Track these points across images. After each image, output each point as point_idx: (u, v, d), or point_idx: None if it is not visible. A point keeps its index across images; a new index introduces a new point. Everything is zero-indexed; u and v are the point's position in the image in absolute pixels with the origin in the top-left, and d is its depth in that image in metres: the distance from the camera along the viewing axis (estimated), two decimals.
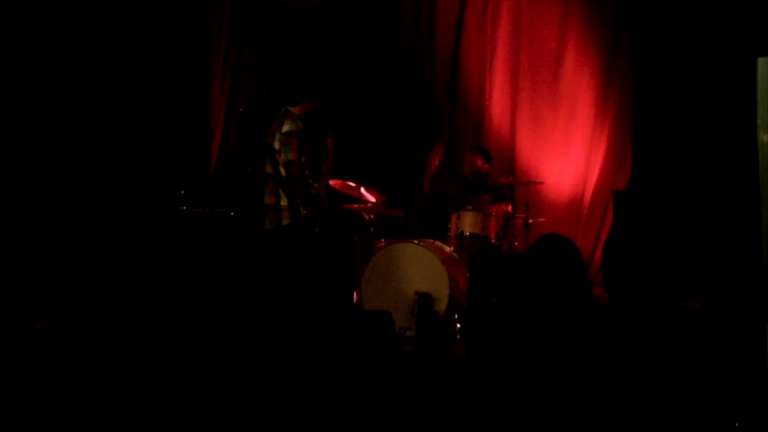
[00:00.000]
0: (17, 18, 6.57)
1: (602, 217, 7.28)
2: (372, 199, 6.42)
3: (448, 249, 6.22)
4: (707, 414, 3.49)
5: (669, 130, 6.20)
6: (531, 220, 6.65)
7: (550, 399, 2.84)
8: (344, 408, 3.88)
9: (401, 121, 7.70)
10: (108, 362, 4.38)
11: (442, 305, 5.79)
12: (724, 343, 4.15)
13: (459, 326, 5.47)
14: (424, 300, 5.79)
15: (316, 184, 5.46)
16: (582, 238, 7.24)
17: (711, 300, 5.52)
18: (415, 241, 6.03)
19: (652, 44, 6.36)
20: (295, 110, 5.47)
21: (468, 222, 6.25)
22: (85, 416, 3.71)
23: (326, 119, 7.33)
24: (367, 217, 6.44)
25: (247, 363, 4.44)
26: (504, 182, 6.69)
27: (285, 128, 5.35)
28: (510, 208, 6.63)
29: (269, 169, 5.43)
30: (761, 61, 5.95)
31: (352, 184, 6.38)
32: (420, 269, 5.86)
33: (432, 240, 6.22)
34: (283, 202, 5.38)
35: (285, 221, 5.38)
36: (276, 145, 5.37)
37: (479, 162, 6.82)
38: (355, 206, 6.41)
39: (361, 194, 6.36)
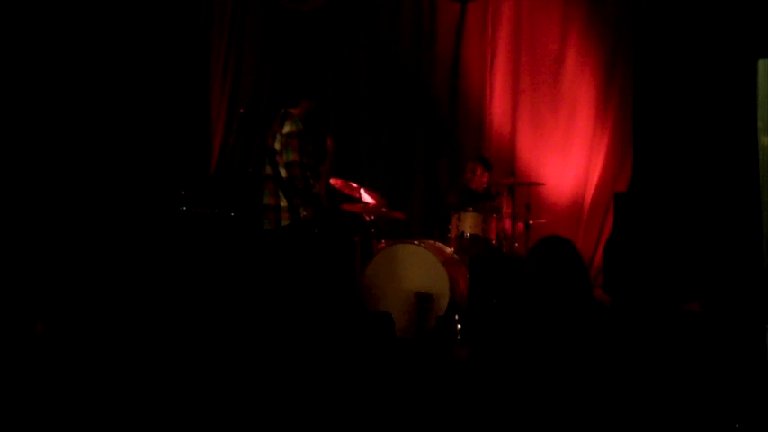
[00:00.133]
0: (19, 20, 6.58)
1: (603, 219, 7.28)
2: (372, 201, 6.42)
3: (448, 250, 6.22)
4: (708, 415, 3.49)
5: (669, 133, 6.21)
6: (531, 222, 6.64)
7: (551, 400, 2.84)
8: (345, 408, 3.88)
9: (402, 122, 7.71)
10: (108, 363, 4.38)
11: (442, 306, 5.78)
12: (724, 345, 4.15)
13: (459, 327, 5.46)
14: (424, 301, 5.79)
15: (316, 185, 5.46)
16: (582, 239, 7.25)
17: (712, 302, 5.52)
18: (416, 242, 6.03)
19: (652, 46, 6.36)
20: (295, 111, 5.47)
21: (468, 224, 6.25)
22: (86, 416, 3.71)
23: (326, 119, 7.33)
24: (367, 218, 6.44)
25: (248, 363, 4.44)
26: (504, 183, 6.69)
27: (285, 129, 5.35)
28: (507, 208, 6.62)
29: (269, 170, 5.43)
30: (761, 63, 5.96)
31: (354, 185, 6.38)
32: (420, 270, 5.86)
33: (432, 241, 6.22)
34: (283, 203, 5.37)
35: (285, 222, 5.38)
36: (276, 146, 5.37)
37: (479, 171, 6.81)
38: (356, 207, 6.41)
39: (362, 196, 6.36)
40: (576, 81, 7.45)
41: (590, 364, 2.88)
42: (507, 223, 6.61)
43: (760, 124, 5.98)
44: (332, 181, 6.04)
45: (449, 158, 7.65)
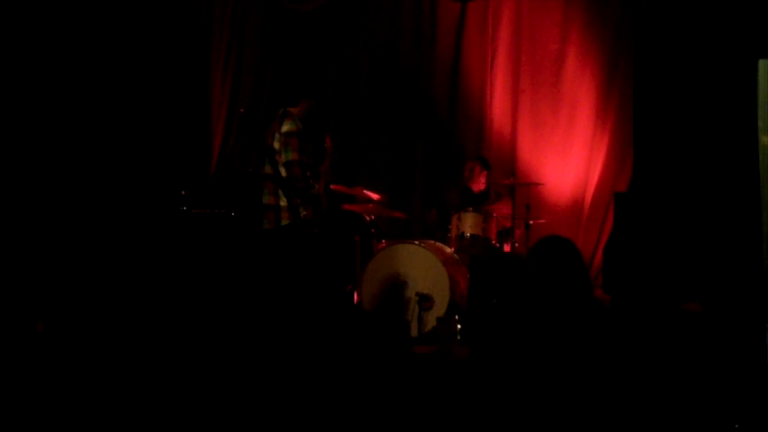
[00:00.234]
0: (20, 21, 6.58)
1: (603, 219, 7.28)
2: (375, 197, 6.42)
3: (449, 250, 6.22)
4: (707, 416, 3.49)
5: (670, 132, 6.21)
6: (531, 222, 6.65)
7: (551, 400, 2.84)
8: (345, 408, 3.88)
9: (402, 122, 7.71)
10: (108, 362, 4.38)
11: (442, 306, 5.78)
12: (724, 345, 4.15)
13: (459, 327, 5.47)
14: (424, 301, 5.79)
15: (316, 185, 5.45)
16: (582, 239, 7.25)
17: (712, 302, 5.52)
18: (416, 242, 6.03)
19: (653, 46, 6.37)
20: (294, 110, 5.47)
21: (468, 224, 6.25)
22: (86, 416, 3.71)
23: (325, 119, 7.33)
24: (368, 218, 6.44)
25: (247, 363, 4.44)
26: (504, 183, 6.69)
27: (285, 128, 5.34)
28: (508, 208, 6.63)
29: (268, 170, 5.42)
30: (761, 63, 5.96)
31: (373, 195, 6.38)
32: (421, 270, 5.86)
33: (432, 241, 6.22)
34: (282, 203, 5.37)
35: (284, 222, 5.37)
36: (276, 145, 5.36)
37: (477, 170, 6.81)
38: (356, 207, 6.41)
39: (364, 194, 6.37)
40: (576, 81, 7.45)
41: (590, 363, 2.88)
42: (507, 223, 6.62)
43: (760, 124, 5.99)
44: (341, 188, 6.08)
45: (449, 158, 7.65)
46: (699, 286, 5.67)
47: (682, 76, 6.15)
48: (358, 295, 6.10)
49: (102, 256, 6.37)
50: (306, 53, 7.71)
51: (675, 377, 3.76)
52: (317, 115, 5.88)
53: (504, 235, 6.54)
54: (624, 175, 7.14)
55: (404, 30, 7.75)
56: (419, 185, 7.64)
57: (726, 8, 5.97)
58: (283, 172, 5.34)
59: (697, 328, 4.55)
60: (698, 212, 5.91)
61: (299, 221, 5.36)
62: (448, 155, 7.64)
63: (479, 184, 6.80)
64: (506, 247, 6.54)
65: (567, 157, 7.46)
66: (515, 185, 6.60)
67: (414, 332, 5.77)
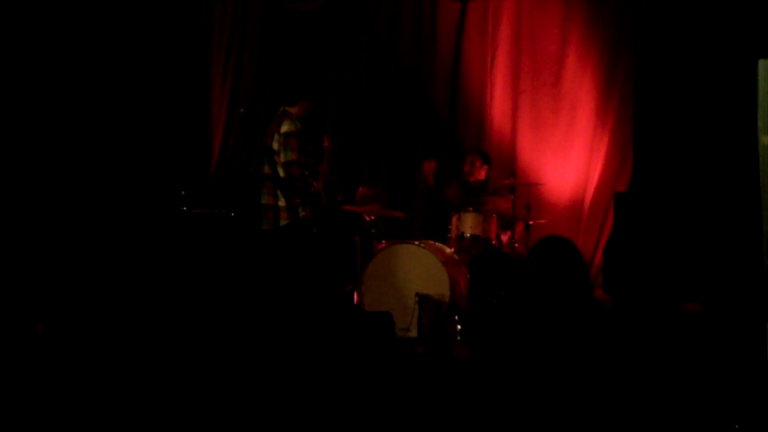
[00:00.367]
0: (20, 22, 6.58)
1: (603, 219, 7.28)
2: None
3: (449, 251, 6.22)
4: (708, 416, 3.49)
5: (670, 133, 6.20)
6: (531, 222, 6.65)
7: (551, 400, 2.84)
8: (344, 408, 3.88)
9: (402, 122, 7.71)
10: (108, 362, 4.38)
11: (442, 307, 5.78)
12: (725, 345, 4.15)
13: (459, 327, 5.47)
14: (424, 301, 5.79)
15: (315, 185, 5.45)
16: (582, 239, 7.25)
17: (712, 302, 5.52)
18: (416, 242, 6.03)
19: (653, 46, 6.36)
20: (293, 110, 5.47)
21: (468, 224, 6.24)
22: (86, 416, 3.71)
23: (323, 119, 7.33)
24: (368, 218, 6.44)
25: (247, 363, 4.44)
26: (504, 183, 6.70)
27: (284, 128, 5.34)
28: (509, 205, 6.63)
29: (267, 170, 5.42)
30: (761, 63, 5.96)
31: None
32: (421, 271, 5.86)
33: (432, 242, 6.22)
34: (281, 203, 5.37)
35: (283, 222, 5.38)
36: (275, 146, 5.36)
37: (478, 164, 6.82)
38: (356, 207, 6.41)
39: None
40: (576, 81, 7.45)
41: (590, 364, 2.88)
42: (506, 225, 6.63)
43: (760, 124, 5.98)
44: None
45: (449, 159, 7.65)
46: (699, 286, 5.67)
47: (682, 76, 6.15)
48: (358, 295, 6.10)
49: (103, 255, 6.37)
50: (306, 53, 7.71)
51: (676, 377, 3.75)
52: (315, 115, 5.88)
53: (504, 229, 6.55)
54: (624, 175, 7.14)
55: (404, 30, 7.75)
56: (420, 187, 7.62)
57: (726, 8, 5.97)
58: (282, 172, 5.34)
59: (697, 329, 4.55)
60: (698, 212, 5.90)
61: (298, 221, 5.36)
62: (448, 155, 7.63)
63: (479, 177, 6.80)
64: (505, 239, 6.55)
65: (567, 157, 7.46)
66: (515, 185, 6.60)
67: (414, 332, 5.77)
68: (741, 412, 3.46)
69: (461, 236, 6.25)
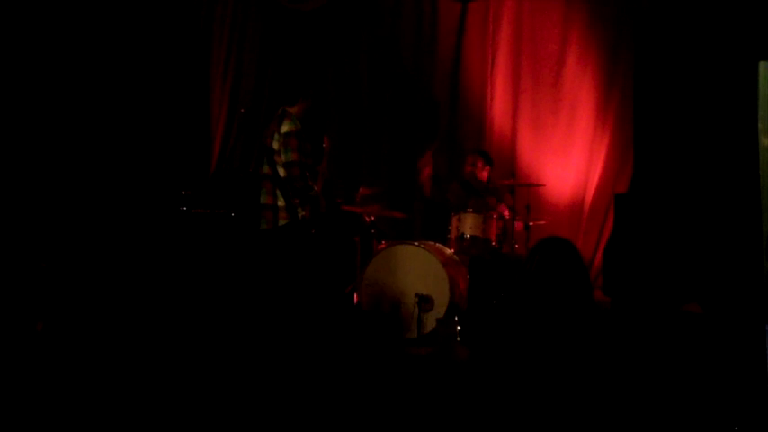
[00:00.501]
0: (21, 22, 6.58)
1: (603, 220, 7.28)
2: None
3: (448, 252, 6.22)
4: (707, 417, 3.49)
5: (670, 134, 6.20)
6: (531, 223, 6.65)
7: (551, 401, 2.84)
8: (344, 409, 3.88)
9: (402, 123, 7.71)
10: (108, 362, 4.38)
11: (442, 308, 5.78)
12: (724, 347, 4.15)
13: (459, 328, 5.47)
14: (424, 302, 5.79)
15: (315, 185, 5.46)
16: (582, 240, 7.25)
17: (712, 303, 5.52)
18: (416, 243, 6.03)
19: (653, 47, 6.36)
20: (293, 110, 5.47)
21: (468, 224, 6.25)
22: (86, 416, 3.71)
23: (323, 119, 7.33)
24: (368, 219, 6.44)
25: (247, 363, 4.44)
26: (504, 184, 6.70)
27: (284, 128, 5.35)
28: (507, 212, 6.63)
29: (266, 170, 5.43)
30: (762, 65, 5.95)
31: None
32: (421, 271, 5.86)
33: (432, 242, 6.22)
34: (280, 203, 5.37)
35: (282, 222, 5.38)
36: (275, 145, 5.36)
37: (480, 164, 6.82)
38: (356, 208, 6.41)
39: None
40: (576, 82, 7.45)
41: (590, 365, 2.88)
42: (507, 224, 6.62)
43: (760, 125, 5.98)
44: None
45: (449, 159, 7.65)
46: (699, 288, 5.67)
47: (682, 77, 6.15)
48: (357, 296, 6.10)
49: (103, 255, 6.37)
50: (306, 53, 7.71)
51: (675, 379, 3.76)
52: (314, 115, 5.88)
53: (504, 235, 6.55)
54: (624, 176, 7.14)
55: (404, 30, 7.75)
56: (420, 188, 7.62)
57: (726, 9, 5.97)
58: (282, 172, 5.34)
59: (697, 330, 4.55)
60: (698, 214, 5.90)
61: (297, 221, 5.37)
62: (448, 155, 7.64)
63: (481, 178, 6.80)
64: (505, 248, 6.55)
65: (567, 157, 7.46)
66: (515, 186, 6.60)
67: (413, 333, 5.77)
68: (741, 414, 3.46)
69: (461, 236, 6.26)
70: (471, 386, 3.12)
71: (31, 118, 6.61)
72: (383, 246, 6.15)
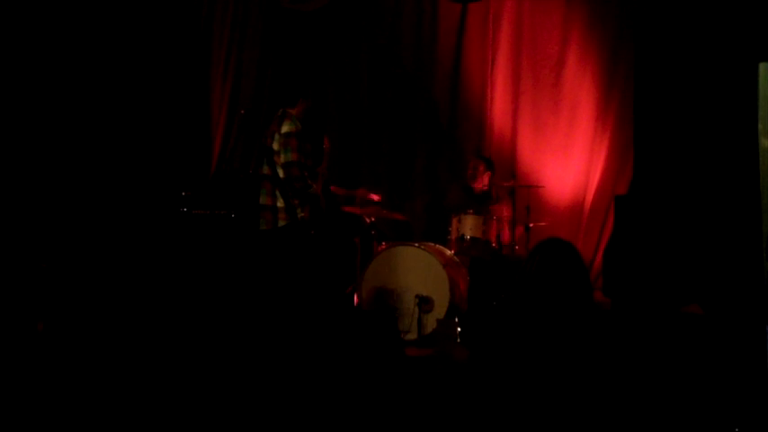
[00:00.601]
0: (21, 23, 6.59)
1: (603, 221, 7.28)
2: (376, 198, 6.42)
3: (449, 253, 6.22)
4: (707, 419, 3.49)
5: (670, 135, 6.21)
6: (531, 224, 6.65)
7: (551, 403, 2.84)
8: (344, 410, 3.88)
9: (402, 124, 7.71)
10: (109, 362, 4.38)
11: (442, 309, 5.78)
12: (725, 348, 4.15)
13: (459, 329, 5.47)
14: (424, 303, 5.80)
15: (314, 186, 5.45)
16: (582, 242, 7.25)
17: (712, 304, 5.52)
18: (416, 244, 6.03)
19: (653, 49, 6.37)
20: (293, 111, 5.47)
21: (468, 226, 6.25)
22: (86, 416, 3.71)
23: (323, 120, 7.33)
24: (368, 220, 6.44)
25: (246, 364, 4.44)
26: (505, 185, 6.69)
27: (284, 129, 5.34)
28: (508, 211, 6.63)
29: (266, 170, 5.43)
30: (762, 66, 5.96)
31: (374, 197, 6.38)
32: (421, 272, 5.86)
33: (432, 244, 6.22)
34: (280, 204, 5.37)
35: (281, 223, 5.37)
36: (275, 146, 5.36)
37: (481, 169, 6.81)
38: (356, 209, 6.41)
39: (366, 195, 6.37)
40: (576, 83, 7.45)
41: (590, 366, 2.88)
42: (506, 227, 6.61)
43: (760, 126, 5.98)
44: (335, 189, 6.08)
45: (449, 160, 7.65)
46: (699, 289, 5.67)
47: (682, 78, 6.15)
48: (358, 297, 6.10)
49: (103, 256, 6.37)
50: (306, 54, 7.71)
51: (675, 380, 3.76)
52: (315, 116, 5.88)
53: (504, 237, 6.55)
54: (624, 178, 7.14)
55: (404, 31, 7.75)
56: (420, 187, 7.63)
57: (726, 11, 5.97)
58: (281, 173, 5.34)
59: (697, 331, 4.55)
60: (698, 215, 5.90)
61: (297, 222, 5.36)
62: (448, 156, 7.64)
63: (482, 184, 6.79)
64: (505, 249, 6.55)
65: (567, 159, 7.46)
66: (515, 187, 6.60)
67: (413, 334, 5.77)
68: (741, 416, 3.46)
69: (461, 238, 6.26)
70: (471, 387, 3.11)
71: (31, 119, 6.61)
72: (383, 247, 6.15)
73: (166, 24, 7.37)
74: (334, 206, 6.39)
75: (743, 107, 5.93)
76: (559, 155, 7.47)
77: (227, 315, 5.61)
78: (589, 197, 7.39)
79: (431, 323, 5.77)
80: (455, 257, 6.23)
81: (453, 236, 6.32)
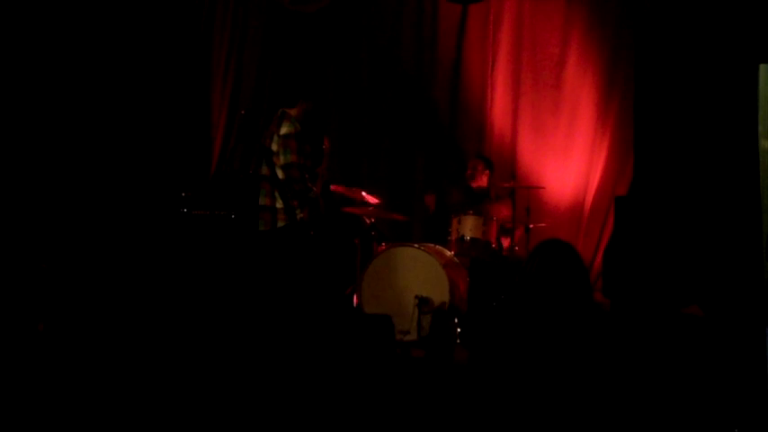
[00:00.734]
0: (21, 23, 6.59)
1: (603, 222, 7.28)
2: (374, 200, 6.42)
3: (448, 254, 6.22)
4: (707, 420, 3.49)
5: (670, 136, 6.21)
6: (531, 225, 6.65)
7: (551, 404, 2.84)
8: (344, 411, 3.88)
9: (403, 125, 7.71)
10: (109, 363, 4.38)
11: (442, 309, 5.78)
12: (724, 349, 4.15)
13: (459, 330, 5.47)
14: (424, 304, 5.79)
15: (314, 187, 5.45)
16: (582, 243, 7.24)
17: (712, 306, 5.52)
18: (416, 245, 6.03)
19: (654, 50, 6.37)
20: (292, 112, 5.47)
21: (468, 227, 6.25)
22: (86, 415, 3.72)
23: (323, 120, 7.33)
24: (368, 221, 6.44)
25: (246, 365, 4.44)
26: (505, 186, 6.69)
27: (283, 130, 5.35)
28: (507, 212, 6.63)
29: (265, 171, 5.43)
30: (762, 67, 5.96)
31: (371, 199, 6.38)
32: (421, 273, 5.86)
33: (432, 244, 6.22)
34: (278, 205, 5.37)
35: (280, 224, 5.37)
36: (274, 147, 5.36)
37: (480, 168, 6.81)
38: (356, 210, 6.41)
39: (363, 197, 6.36)
40: (577, 84, 7.45)
41: (590, 367, 2.88)
42: (506, 228, 6.61)
43: (760, 128, 5.98)
44: (333, 187, 6.06)
45: (449, 161, 7.65)
46: (699, 290, 5.67)
47: (682, 79, 6.15)
48: (357, 298, 6.10)
49: (103, 256, 6.37)
50: (307, 55, 7.71)
51: (675, 381, 3.76)
52: (314, 117, 5.88)
53: (505, 234, 6.55)
54: (624, 179, 7.13)
55: (405, 31, 7.75)
56: (420, 188, 7.63)
57: (727, 12, 5.97)
58: (281, 174, 5.34)
59: (697, 333, 4.55)
60: (698, 216, 5.90)
61: (296, 223, 5.36)
62: (448, 157, 7.64)
63: (481, 183, 6.79)
64: (505, 243, 6.54)
65: (567, 160, 7.46)
66: (516, 188, 6.60)
67: (413, 335, 5.77)
68: (741, 416, 3.46)
69: (461, 239, 6.26)
70: (470, 389, 3.12)
71: (32, 120, 6.61)
72: (383, 248, 6.15)
73: (167, 25, 7.37)
74: (334, 207, 6.39)
75: (743, 108, 5.93)
76: (559, 156, 7.47)
77: (226, 315, 5.61)
78: (589, 198, 7.39)
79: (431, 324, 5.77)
80: (455, 258, 6.23)
81: (453, 236, 6.32)
